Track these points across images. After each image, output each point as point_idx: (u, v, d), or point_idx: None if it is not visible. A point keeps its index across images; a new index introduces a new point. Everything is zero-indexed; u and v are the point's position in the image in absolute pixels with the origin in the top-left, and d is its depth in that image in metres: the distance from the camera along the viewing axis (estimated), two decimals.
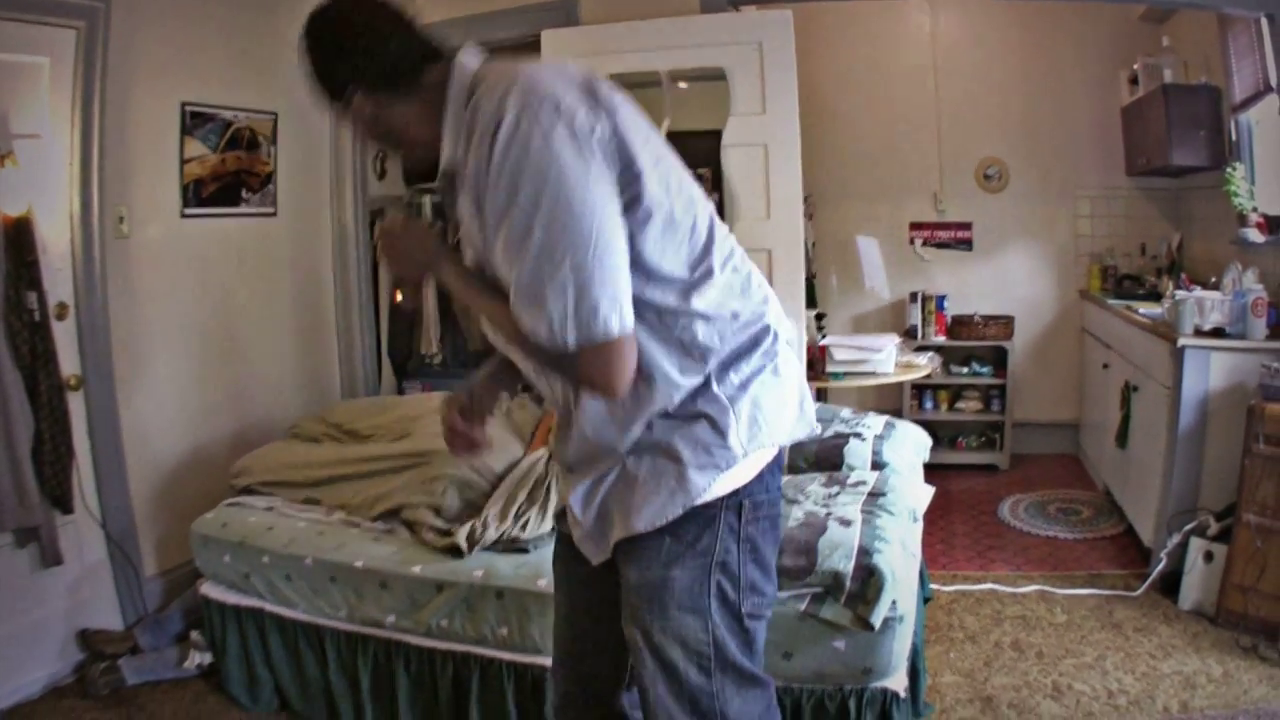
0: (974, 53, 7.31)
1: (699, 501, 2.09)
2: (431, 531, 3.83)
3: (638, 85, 4.66)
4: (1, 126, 4.09)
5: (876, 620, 3.04)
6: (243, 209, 5.51)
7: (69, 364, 4.41)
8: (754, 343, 2.13)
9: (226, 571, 4.11)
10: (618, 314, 1.88)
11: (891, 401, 7.43)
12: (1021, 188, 7.34)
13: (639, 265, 1.96)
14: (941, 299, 7.29)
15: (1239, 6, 5.09)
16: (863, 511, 3.52)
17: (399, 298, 6.52)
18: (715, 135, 5.31)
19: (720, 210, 2.31)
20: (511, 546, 3.71)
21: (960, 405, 7.44)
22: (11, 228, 4.07)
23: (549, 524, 3.71)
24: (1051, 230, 7.33)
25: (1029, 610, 4.75)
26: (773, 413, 2.14)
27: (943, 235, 7.52)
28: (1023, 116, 7.23)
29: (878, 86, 7.48)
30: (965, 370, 7.33)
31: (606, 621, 2.33)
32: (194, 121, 5.08)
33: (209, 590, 4.20)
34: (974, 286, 7.45)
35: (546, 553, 3.13)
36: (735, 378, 2.10)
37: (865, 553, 3.18)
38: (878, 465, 4.14)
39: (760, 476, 2.18)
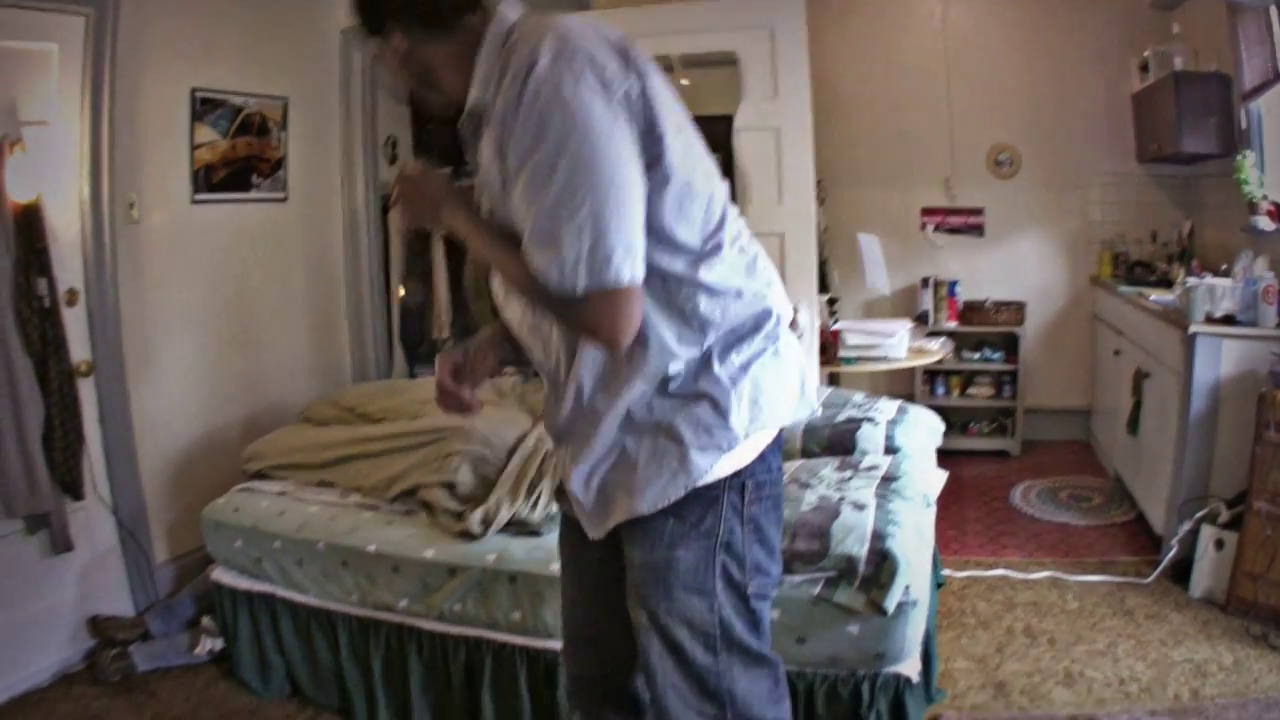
0: (985, 38, 7.29)
1: (701, 482, 2.10)
2: (446, 515, 3.83)
3: None
4: (10, 114, 4.08)
5: (890, 605, 3.03)
6: (253, 195, 5.51)
7: (79, 350, 4.41)
8: (756, 324, 2.14)
9: (238, 557, 4.11)
10: (630, 264, 1.89)
11: (903, 387, 7.42)
12: (1033, 174, 7.32)
13: (651, 228, 1.96)
14: (953, 285, 7.28)
15: None
16: (876, 496, 3.51)
17: (402, 292, 6.51)
18: (726, 120, 5.31)
19: (731, 194, 2.32)
20: (524, 530, 3.71)
21: (972, 391, 7.43)
22: (21, 214, 4.06)
23: None
24: (1063, 216, 7.31)
25: (1041, 597, 4.75)
26: (773, 394, 2.15)
27: (954, 221, 7.50)
28: (1034, 102, 7.21)
29: (889, 72, 7.47)
30: (977, 356, 7.33)
31: (615, 602, 2.33)
32: (204, 107, 5.08)
33: (220, 576, 4.20)
34: (985, 272, 7.44)
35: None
36: (737, 359, 2.10)
37: (879, 537, 3.17)
38: (890, 450, 4.13)
39: (762, 456, 2.19)
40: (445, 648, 3.68)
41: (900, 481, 3.65)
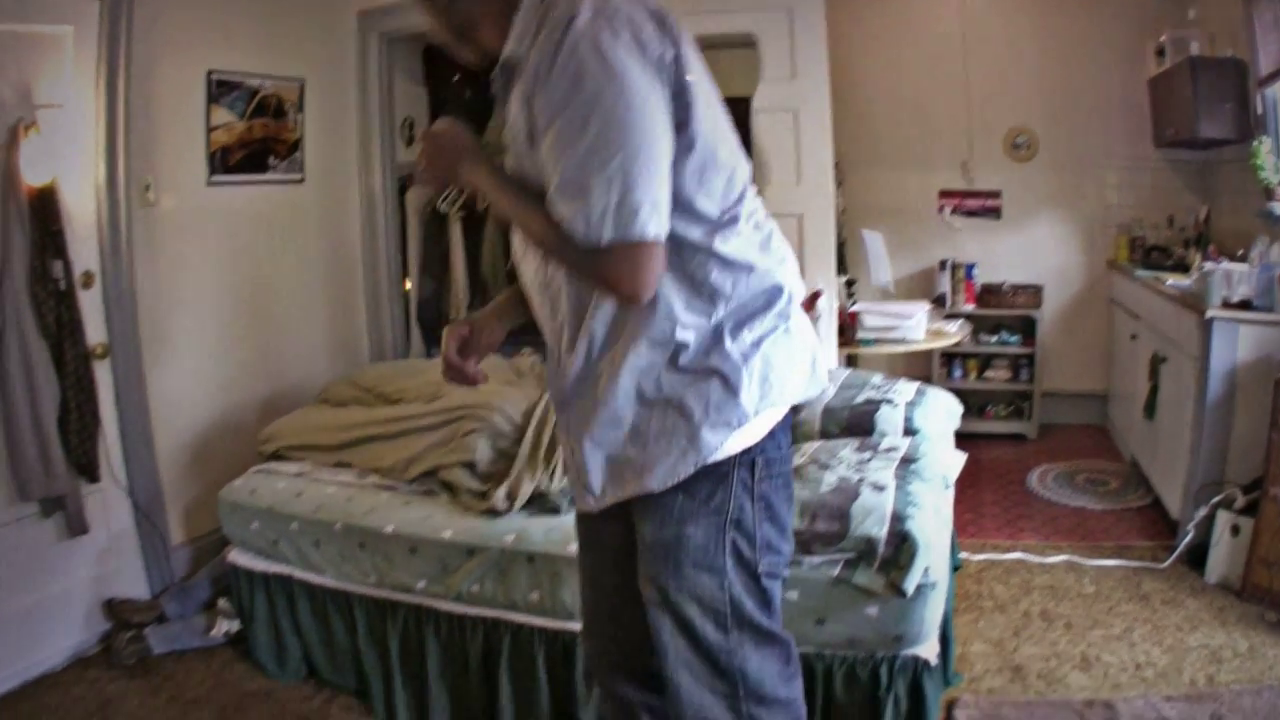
0: (1003, 21, 7.27)
1: (711, 460, 2.10)
2: (468, 494, 3.83)
3: None
4: (25, 97, 4.08)
5: (909, 587, 3.02)
6: (270, 176, 5.51)
7: (95, 333, 4.41)
8: (768, 301, 2.14)
9: (254, 538, 4.12)
10: (656, 220, 1.90)
11: (920, 369, 7.40)
12: (1050, 157, 7.29)
13: (672, 194, 1.97)
14: (970, 267, 7.27)
15: None
16: (895, 477, 3.50)
17: (407, 286, 6.51)
18: (744, 102, 5.29)
19: (750, 175, 2.34)
20: (544, 509, 3.71)
21: (989, 374, 7.43)
22: (36, 197, 4.05)
23: None
24: (1080, 200, 7.29)
25: (1057, 580, 4.75)
26: (784, 371, 2.15)
27: (972, 204, 7.49)
28: (1051, 86, 7.18)
29: (907, 54, 7.46)
30: (994, 339, 7.31)
31: (632, 579, 2.33)
32: (220, 90, 5.07)
33: (237, 557, 4.21)
34: (1003, 255, 7.43)
35: None
36: (749, 335, 2.11)
37: (898, 518, 3.16)
38: (909, 431, 4.12)
39: (772, 434, 2.20)
40: (463, 629, 3.68)
41: (919, 463, 3.64)
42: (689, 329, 2.07)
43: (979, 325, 7.23)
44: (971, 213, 7.51)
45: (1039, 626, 4.31)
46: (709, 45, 2.11)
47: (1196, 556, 4.77)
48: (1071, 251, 7.38)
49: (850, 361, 6.12)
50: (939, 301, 7.17)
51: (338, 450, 4.33)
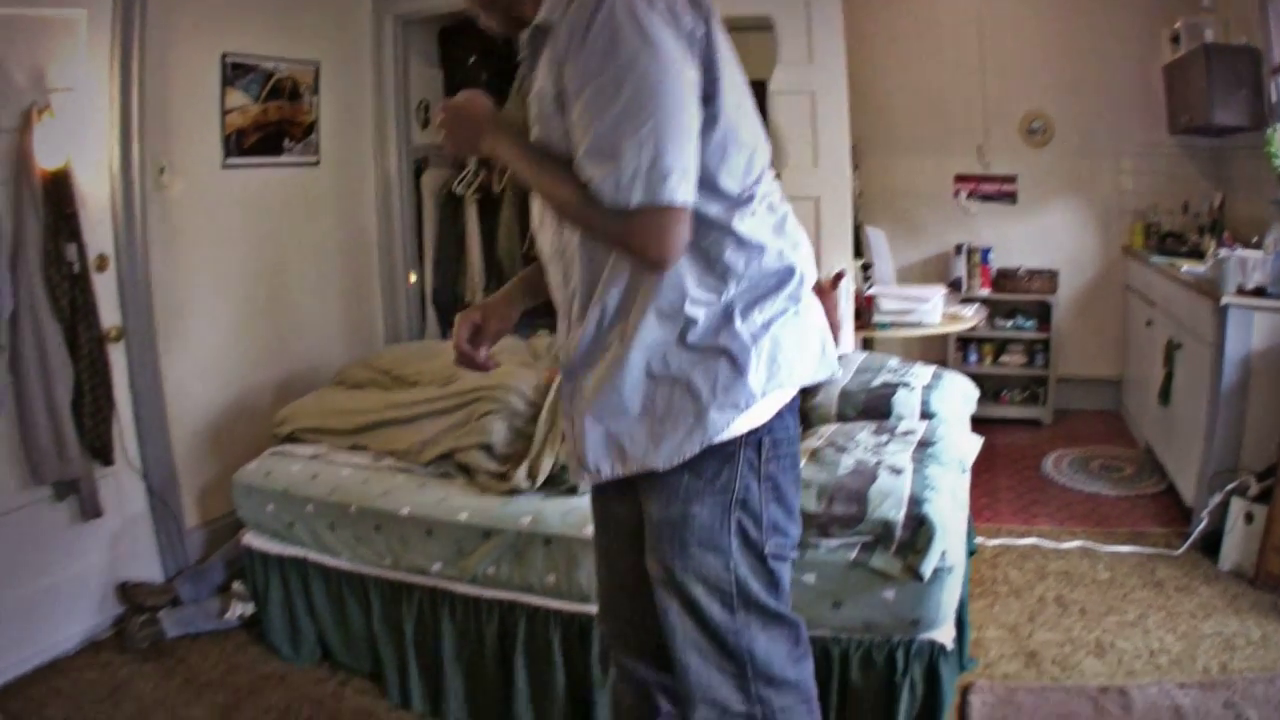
0: (1019, 6, 7.25)
1: (717, 440, 2.10)
2: (486, 476, 3.83)
3: None
4: (38, 81, 4.07)
5: (927, 570, 3.02)
6: (285, 159, 5.51)
7: (110, 316, 4.41)
8: (779, 283, 2.14)
9: (269, 521, 4.11)
10: (685, 186, 1.90)
11: (936, 354, 7.38)
12: (1065, 142, 7.27)
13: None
14: (986, 252, 7.26)
15: None
16: (912, 460, 3.49)
17: (413, 279, 6.51)
18: (761, 85, 5.27)
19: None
20: (562, 488, 3.71)
21: (1004, 359, 7.42)
22: (50, 180, 4.05)
23: None
24: (1095, 186, 7.27)
25: (1072, 566, 4.76)
26: (793, 353, 2.16)
27: (987, 188, 7.48)
28: (1066, 71, 7.16)
29: (924, 39, 7.45)
30: (1009, 324, 7.31)
31: (644, 557, 2.33)
32: (235, 72, 5.06)
33: (251, 540, 4.21)
34: (1018, 240, 7.42)
35: None
36: (759, 317, 2.11)
37: (916, 502, 3.15)
38: (926, 415, 4.11)
39: (780, 415, 2.20)
40: (479, 612, 3.67)
41: (936, 447, 3.63)
42: (699, 305, 2.07)
43: (994, 310, 7.22)
44: (987, 197, 7.50)
45: (1054, 612, 4.32)
46: (724, 29, 2.12)
47: (1210, 543, 4.76)
48: (1087, 237, 7.36)
49: (866, 345, 6.12)
50: (955, 286, 7.15)
51: (353, 434, 4.32)
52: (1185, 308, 5.31)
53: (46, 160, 4.03)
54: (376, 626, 3.92)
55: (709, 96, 1.99)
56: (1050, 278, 7.21)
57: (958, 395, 4.39)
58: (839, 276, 3.19)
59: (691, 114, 1.92)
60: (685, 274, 2.06)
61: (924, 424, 3.92)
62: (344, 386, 4.94)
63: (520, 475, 3.70)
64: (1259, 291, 4.65)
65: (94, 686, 4.05)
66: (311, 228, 5.79)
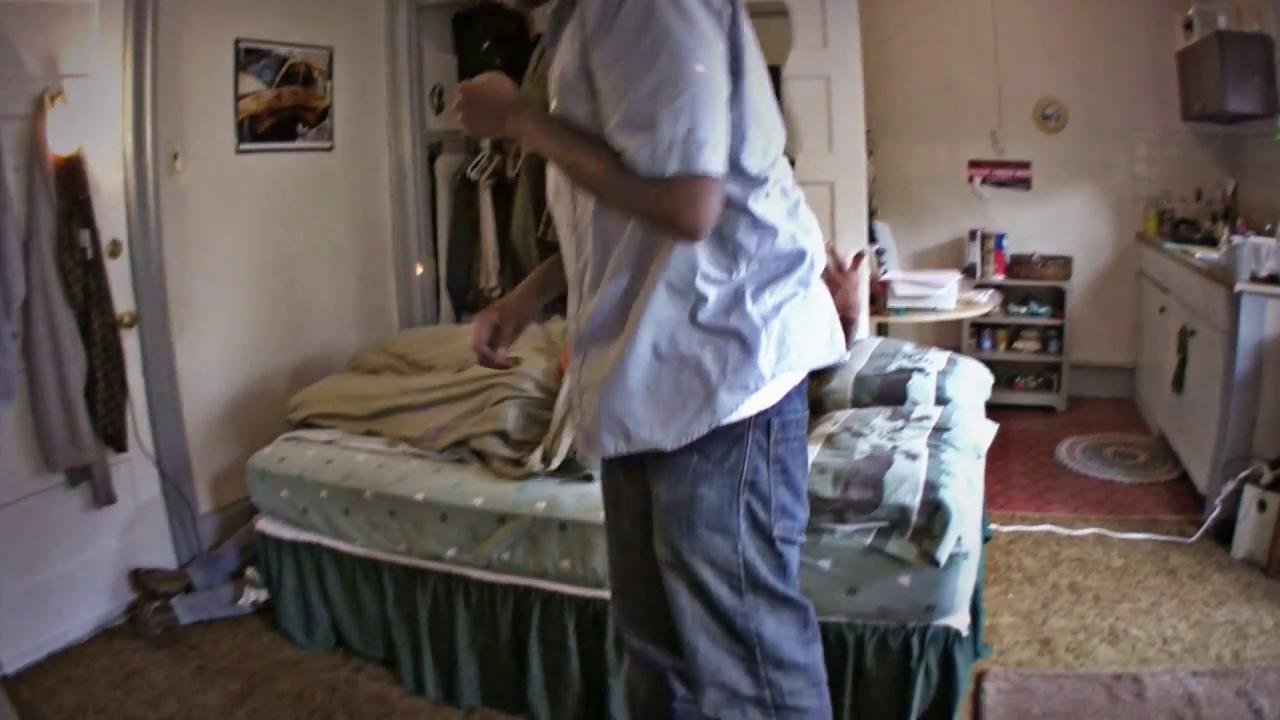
0: None
1: (726, 421, 2.11)
2: (501, 461, 3.82)
3: None
4: (50, 66, 4.07)
5: (942, 556, 3.01)
6: (299, 144, 5.51)
7: (123, 301, 4.40)
8: (790, 267, 2.15)
9: (283, 506, 4.10)
10: (718, 157, 1.91)
11: (950, 339, 7.36)
12: (1079, 128, 7.24)
13: None
14: (1000, 238, 7.25)
15: None
16: (928, 446, 3.48)
17: (419, 271, 6.50)
18: (775, 71, 5.28)
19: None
20: (576, 474, 3.70)
21: (1018, 345, 7.41)
22: (63, 166, 4.05)
23: None
24: (1108, 172, 7.24)
25: (1086, 553, 4.76)
26: (801, 336, 2.16)
27: (1001, 174, 7.46)
28: (1080, 57, 7.14)
29: (937, 24, 7.43)
30: (1023, 310, 7.30)
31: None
32: (248, 58, 5.06)
33: (265, 526, 4.20)
34: (1032, 226, 7.40)
35: None
36: (770, 299, 2.12)
37: (931, 487, 3.14)
38: (941, 401, 4.10)
39: (789, 397, 2.20)
40: (493, 597, 3.67)
41: (952, 432, 3.62)
42: (710, 283, 2.07)
43: (1008, 296, 7.22)
44: (1001, 183, 7.48)
45: (1067, 599, 4.32)
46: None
47: (1223, 531, 4.76)
48: (1101, 223, 7.33)
49: (881, 330, 6.13)
50: (969, 272, 7.15)
51: (367, 420, 4.31)
52: (1199, 295, 5.30)
53: (59, 146, 4.03)
54: (390, 612, 3.92)
55: (734, 76, 1.99)
56: (1064, 264, 7.19)
57: (972, 381, 4.38)
58: (859, 257, 3.20)
59: (723, 88, 1.94)
60: (698, 250, 2.06)
61: (939, 410, 3.90)
62: (359, 371, 4.94)
63: (535, 459, 3.69)
64: (1272, 279, 4.64)
65: (106, 673, 4.05)
66: (325, 213, 5.79)
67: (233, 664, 4.09)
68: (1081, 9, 7.08)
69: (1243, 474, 4.66)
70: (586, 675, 3.58)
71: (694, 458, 2.15)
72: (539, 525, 3.52)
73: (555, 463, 3.70)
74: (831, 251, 3.19)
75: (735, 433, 2.14)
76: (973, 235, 7.28)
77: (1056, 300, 7.23)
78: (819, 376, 4.29)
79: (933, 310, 5.81)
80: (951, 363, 4.45)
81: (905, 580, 3.09)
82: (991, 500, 5.24)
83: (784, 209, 2.17)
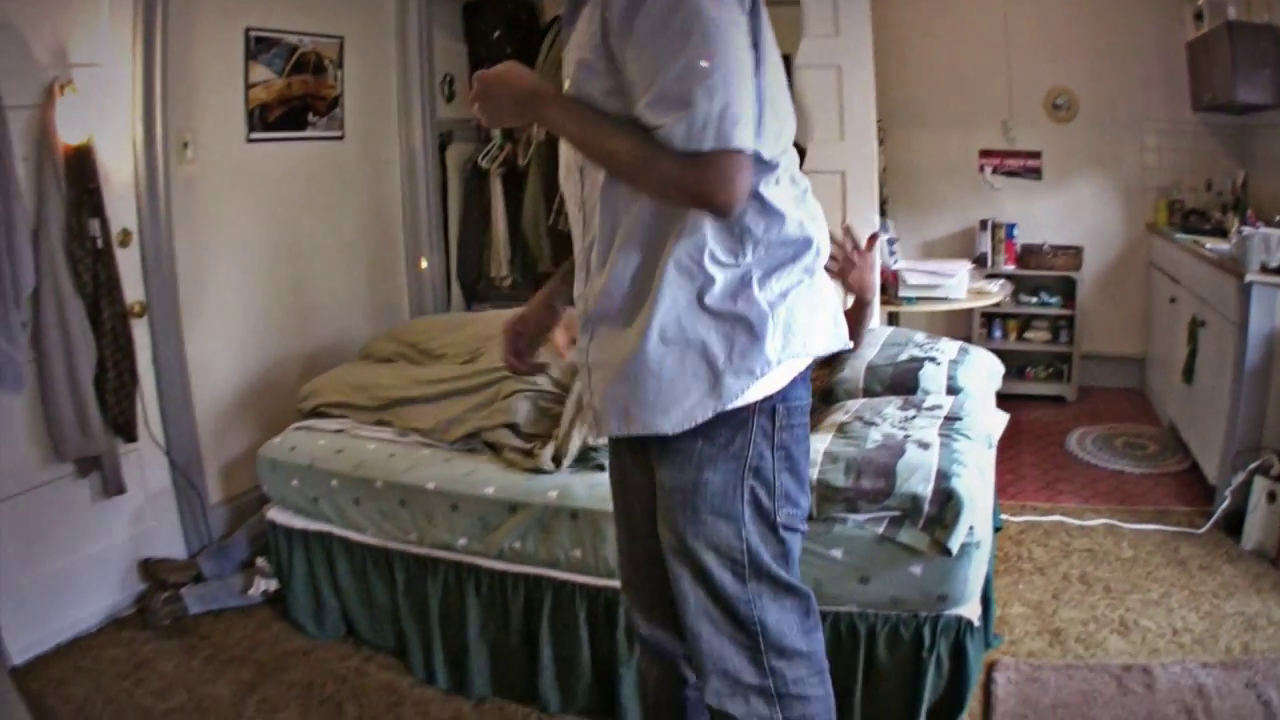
0: None
1: (731, 406, 2.12)
2: (512, 451, 3.82)
3: None
4: (60, 56, 4.07)
5: (954, 545, 3.00)
6: (309, 133, 5.51)
7: (133, 291, 4.40)
8: (796, 254, 2.16)
9: (294, 496, 4.11)
10: (751, 133, 1.94)
11: (960, 329, 7.35)
12: (1090, 118, 7.23)
13: None
14: (1011, 227, 7.23)
15: None
16: (939, 435, 3.47)
17: (424, 265, 6.50)
18: (786, 60, 5.28)
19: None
20: (589, 464, 3.69)
21: (1029, 335, 7.39)
22: (72, 156, 4.05)
23: None
24: (1119, 162, 7.23)
25: (1096, 544, 4.75)
26: (806, 323, 2.17)
27: (1012, 164, 7.45)
28: (1090, 47, 7.12)
29: (948, 13, 7.42)
30: (1034, 300, 7.28)
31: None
32: (258, 46, 5.06)
33: (276, 515, 4.20)
34: (1043, 216, 7.38)
35: None
36: (777, 285, 2.13)
37: (943, 476, 3.13)
38: (952, 390, 4.08)
39: (793, 383, 2.21)
40: (504, 586, 3.67)
41: (963, 422, 3.60)
42: (718, 266, 2.08)
43: (1019, 286, 7.20)
44: (1012, 173, 7.47)
45: (1078, 590, 4.32)
46: None
47: (1233, 522, 4.75)
48: (1111, 213, 7.32)
49: (892, 319, 6.12)
50: (980, 261, 7.14)
51: (377, 411, 4.31)
52: (1209, 285, 5.28)
53: (69, 136, 4.03)
54: (401, 602, 3.92)
55: (755, 62, 2.00)
56: (1075, 254, 7.18)
57: (984, 371, 4.37)
58: (873, 238, 3.20)
59: (751, 67, 1.97)
60: (706, 231, 2.07)
61: (950, 399, 3.90)
62: (370, 360, 4.94)
63: (546, 457, 3.68)
64: None
65: (116, 664, 4.06)
66: (336, 202, 5.79)
67: (243, 654, 4.09)
68: None
69: (1253, 465, 4.65)
70: (598, 665, 3.58)
71: (698, 443, 2.16)
72: (550, 514, 3.51)
73: (566, 463, 3.68)
74: (848, 230, 3.19)
75: (740, 418, 2.14)
76: (983, 225, 7.27)
77: (1067, 290, 7.21)
78: (829, 364, 4.29)
79: (944, 300, 5.80)
80: (963, 352, 4.44)
81: (917, 569, 3.09)
82: (1002, 490, 5.23)
83: (794, 196, 2.18)
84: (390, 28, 6.14)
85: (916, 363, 4.20)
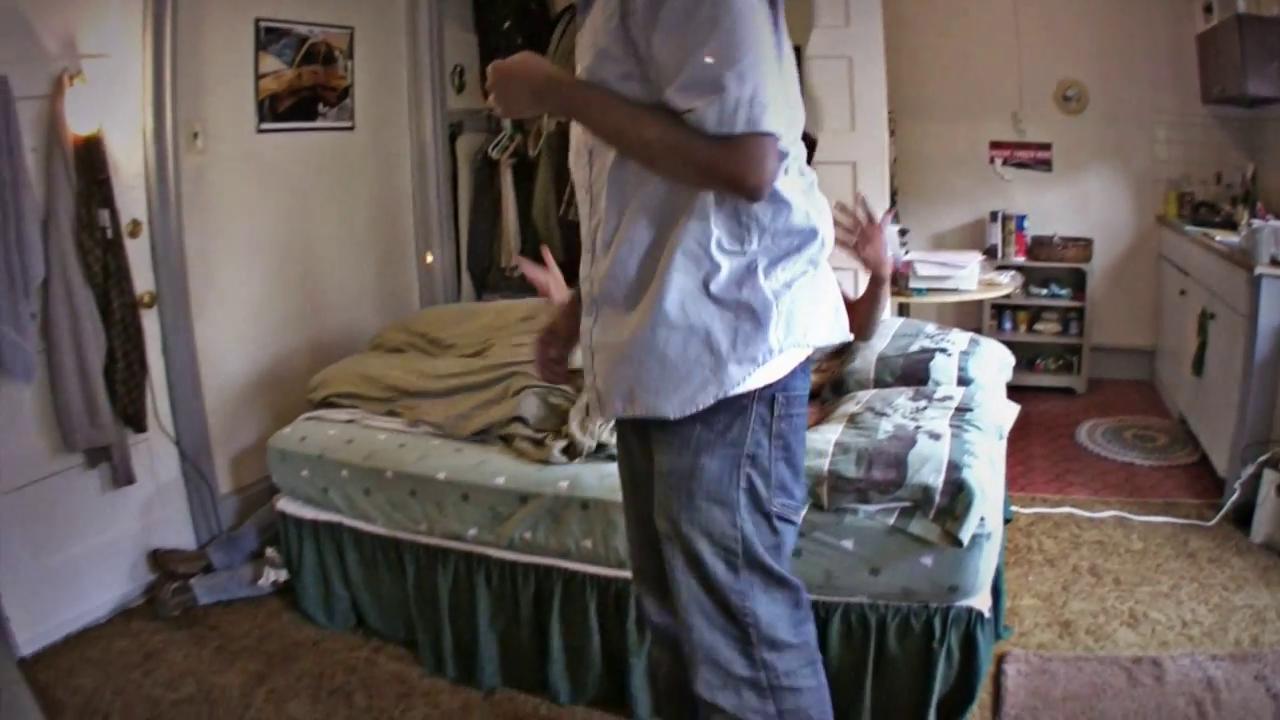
0: None
1: (732, 393, 2.13)
2: (524, 441, 3.81)
3: None
4: (69, 46, 4.07)
5: (965, 536, 3.00)
6: (320, 124, 5.51)
7: (143, 281, 4.41)
8: (802, 244, 2.17)
9: (304, 486, 4.10)
10: (779, 118, 1.96)
11: (970, 321, 7.37)
12: (1099, 110, 7.21)
13: None
14: (1021, 219, 7.24)
15: None
16: (950, 426, 3.46)
17: (430, 259, 6.50)
18: (796, 52, 5.29)
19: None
20: (600, 455, 3.69)
21: (1039, 327, 7.38)
22: (82, 146, 4.05)
23: None
24: (1129, 154, 7.21)
25: (1106, 536, 4.75)
26: (809, 314, 2.19)
27: (1022, 155, 7.44)
28: (1101, 39, 7.10)
29: (959, 4, 7.40)
30: (1044, 292, 7.27)
31: None
32: (268, 37, 5.05)
33: (285, 505, 4.20)
34: (1053, 208, 7.38)
35: None
36: (782, 275, 2.14)
37: (954, 467, 3.12)
38: (963, 381, 4.08)
39: (794, 373, 2.22)
40: (514, 577, 3.67)
41: (974, 413, 3.59)
42: (724, 253, 2.10)
43: (1029, 277, 7.17)
44: (1022, 164, 7.46)
45: (1088, 582, 4.32)
46: None
47: (1243, 515, 4.75)
48: (1121, 205, 7.30)
49: (902, 310, 6.12)
50: (990, 253, 7.14)
51: (387, 402, 4.31)
52: (1219, 278, 5.27)
53: (79, 126, 4.03)
54: (411, 593, 3.92)
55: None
56: (1085, 246, 7.17)
57: (994, 362, 4.36)
58: (887, 213, 3.22)
59: (774, 54, 1.99)
60: (712, 219, 2.09)
61: (961, 390, 3.89)
62: (380, 350, 4.95)
63: (556, 449, 3.67)
64: None
65: (125, 654, 4.06)
66: (346, 193, 5.78)
67: (252, 644, 4.10)
68: None
69: (1262, 458, 4.64)
70: (608, 655, 3.58)
71: (697, 428, 2.18)
72: (561, 504, 3.51)
73: (577, 461, 3.67)
74: (862, 202, 3.19)
75: (739, 405, 2.16)
76: (994, 216, 7.27)
77: (1077, 282, 7.20)
78: (840, 355, 4.29)
79: (954, 291, 5.78)
80: (974, 343, 4.43)
81: (928, 560, 3.09)
82: (1012, 482, 5.24)
83: (801, 188, 2.19)
84: (400, 18, 6.14)
85: (927, 354, 4.20)
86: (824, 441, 3.29)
